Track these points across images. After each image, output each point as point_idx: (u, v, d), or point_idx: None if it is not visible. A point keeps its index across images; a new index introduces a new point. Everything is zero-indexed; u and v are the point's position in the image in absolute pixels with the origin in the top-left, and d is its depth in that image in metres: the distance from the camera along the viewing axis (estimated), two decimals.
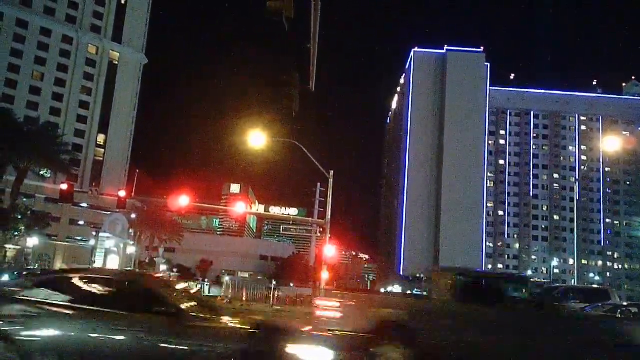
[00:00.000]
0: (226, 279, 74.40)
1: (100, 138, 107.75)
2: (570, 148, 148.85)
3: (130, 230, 75.84)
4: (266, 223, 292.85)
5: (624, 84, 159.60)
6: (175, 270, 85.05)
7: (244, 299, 42.61)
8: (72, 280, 8.09)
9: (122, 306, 7.40)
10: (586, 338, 10.85)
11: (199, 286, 71.81)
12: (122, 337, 7.20)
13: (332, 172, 37.78)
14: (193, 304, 8.34)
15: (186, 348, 7.17)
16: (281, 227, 43.94)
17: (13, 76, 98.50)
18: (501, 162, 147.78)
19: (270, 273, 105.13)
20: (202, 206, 73.26)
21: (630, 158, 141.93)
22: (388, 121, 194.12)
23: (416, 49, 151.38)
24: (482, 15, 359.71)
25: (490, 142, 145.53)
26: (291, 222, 44.56)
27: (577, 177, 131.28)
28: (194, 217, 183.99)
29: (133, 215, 76.88)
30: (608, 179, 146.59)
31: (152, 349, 7.14)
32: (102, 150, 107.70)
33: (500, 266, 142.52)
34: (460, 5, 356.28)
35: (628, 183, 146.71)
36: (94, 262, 62.65)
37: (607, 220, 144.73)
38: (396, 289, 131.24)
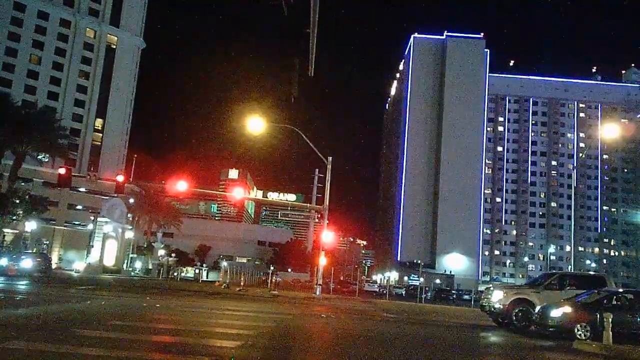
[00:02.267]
0: (224, 264, 74.71)
1: (98, 122, 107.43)
2: (569, 135, 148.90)
3: (129, 215, 75.82)
4: (264, 208, 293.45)
5: (623, 71, 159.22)
6: (173, 255, 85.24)
7: (242, 284, 42.77)
8: None
9: None
10: None
11: (197, 271, 72.22)
12: None
13: (330, 158, 37.89)
14: None
15: None
16: (279, 212, 44.17)
17: (11, 60, 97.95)
18: (499, 148, 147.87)
19: (268, 258, 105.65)
20: (200, 191, 73.14)
21: (629, 146, 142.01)
22: (387, 107, 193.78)
23: (416, 34, 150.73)
24: (482, 2, 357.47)
25: (488, 128, 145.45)
26: (289, 208, 44.77)
27: (575, 164, 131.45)
28: (192, 202, 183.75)
29: (131, 200, 76.87)
30: (606, 167, 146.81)
31: None
32: (100, 134, 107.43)
33: (497, 253, 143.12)
34: None
35: (626, 170, 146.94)
36: (92, 246, 62.76)
37: (605, 208, 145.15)
38: (393, 275, 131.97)
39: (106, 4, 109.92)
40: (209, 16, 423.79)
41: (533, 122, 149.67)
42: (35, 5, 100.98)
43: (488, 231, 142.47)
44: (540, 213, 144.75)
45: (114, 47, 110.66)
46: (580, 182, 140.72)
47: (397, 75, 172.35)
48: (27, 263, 38.15)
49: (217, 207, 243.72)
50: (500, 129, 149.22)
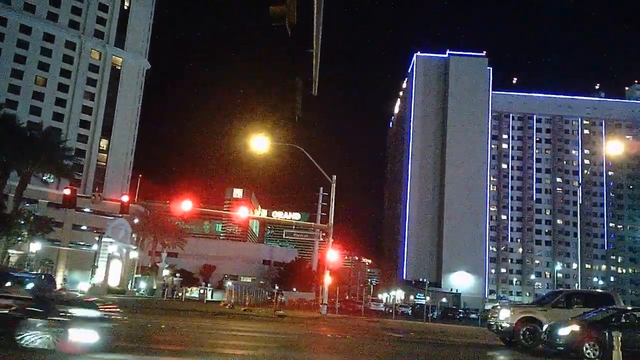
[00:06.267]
0: (229, 283, 74.39)
1: (103, 143, 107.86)
2: (573, 152, 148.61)
3: (133, 235, 75.84)
4: (269, 228, 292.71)
5: (626, 88, 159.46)
6: (178, 275, 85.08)
7: (247, 303, 42.57)
8: None
9: None
10: None
11: (202, 291, 71.97)
12: None
13: (334, 177, 37.90)
14: None
15: None
16: (284, 231, 44.02)
17: (16, 82, 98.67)
18: (504, 166, 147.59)
19: (273, 278, 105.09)
20: (205, 211, 73.34)
21: (634, 162, 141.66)
22: (390, 125, 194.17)
23: (418, 53, 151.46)
24: (485, 20, 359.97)
25: (492, 146, 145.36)
26: (294, 227, 44.61)
27: (580, 181, 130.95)
28: (197, 221, 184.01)
29: (136, 220, 76.92)
30: (611, 183, 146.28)
31: None
32: (105, 155, 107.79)
33: (503, 271, 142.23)
34: (463, 9, 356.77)
35: (631, 187, 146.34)
36: (97, 267, 62.70)
37: (611, 225, 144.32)
38: (399, 293, 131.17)
39: (111, 25, 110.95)
40: (213, 37, 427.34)
41: (537, 139, 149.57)
42: (41, 27, 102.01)
43: (494, 249, 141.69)
44: (546, 230, 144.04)
45: (119, 68, 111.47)
46: (586, 199, 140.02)
47: (400, 93, 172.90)
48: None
49: (222, 226, 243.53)
50: (505, 146, 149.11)
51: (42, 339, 10.32)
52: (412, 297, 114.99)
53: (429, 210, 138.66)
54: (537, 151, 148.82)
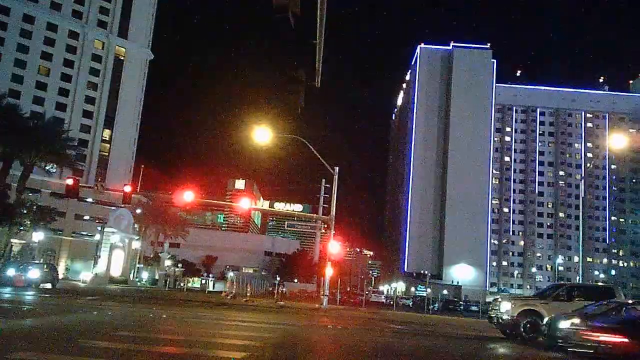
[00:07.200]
0: (230, 274, 74.64)
1: (106, 133, 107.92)
2: (576, 145, 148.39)
3: (136, 225, 76.03)
4: (271, 219, 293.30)
5: (630, 81, 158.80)
6: (180, 265, 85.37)
7: (248, 294, 42.68)
8: None
9: None
10: None
11: (204, 281, 72.22)
12: None
13: (337, 169, 37.86)
14: None
15: None
16: (286, 223, 44.11)
17: (19, 71, 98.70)
18: (506, 158, 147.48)
19: (274, 269, 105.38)
20: (207, 202, 73.39)
21: (637, 155, 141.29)
22: (393, 117, 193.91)
23: (422, 45, 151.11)
24: (489, 12, 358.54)
25: (495, 138, 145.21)
26: (296, 218, 44.65)
27: (582, 174, 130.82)
28: (199, 212, 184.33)
29: (138, 211, 77.11)
30: (614, 177, 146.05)
31: None
32: (108, 145, 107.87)
33: (504, 263, 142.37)
34: (467, 1, 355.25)
35: (634, 181, 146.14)
36: (99, 257, 62.88)
37: (613, 218, 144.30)
38: (400, 285, 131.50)
39: (114, 15, 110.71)
40: (216, 28, 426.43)
41: (540, 132, 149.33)
42: (44, 17, 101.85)
43: (495, 242, 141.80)
44: (548, 223, 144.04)
45: (122, 58, 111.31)
46: (588, 192, 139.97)
47: (404, 85, 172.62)
48: (34, 273, 38.20)
49: (224, 217, 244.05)
50: (508, 139, 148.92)
51: None
52: (413, 289, 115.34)
53: (430, 203, 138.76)
54: (540, 144, 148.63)
